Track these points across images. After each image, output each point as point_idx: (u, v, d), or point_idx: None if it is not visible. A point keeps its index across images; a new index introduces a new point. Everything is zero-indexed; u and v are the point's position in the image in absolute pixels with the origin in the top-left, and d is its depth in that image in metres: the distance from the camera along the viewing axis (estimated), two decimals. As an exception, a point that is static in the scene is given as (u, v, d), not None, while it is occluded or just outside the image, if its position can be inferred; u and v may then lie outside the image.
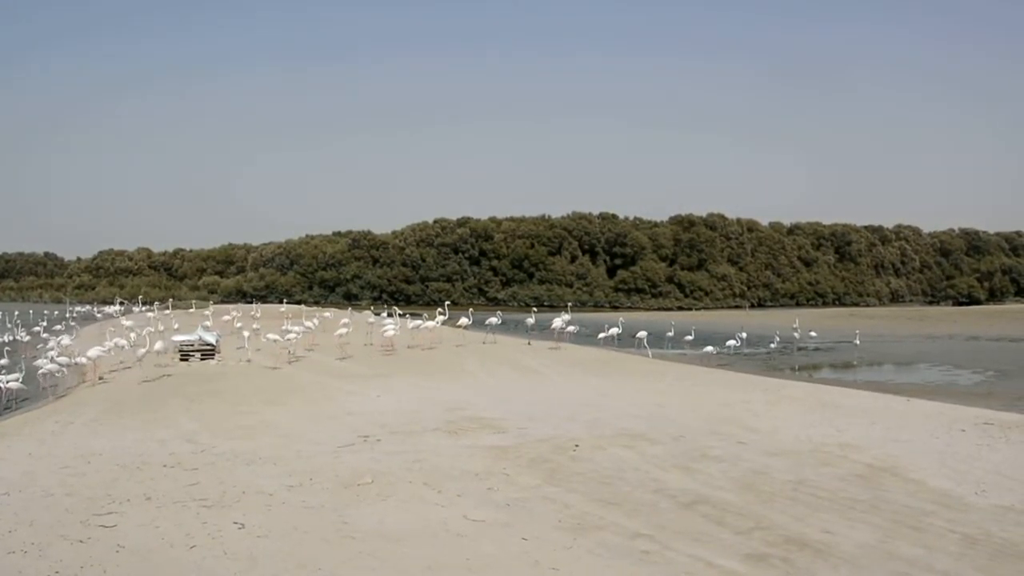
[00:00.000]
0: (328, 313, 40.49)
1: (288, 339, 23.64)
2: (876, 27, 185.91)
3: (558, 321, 28.47)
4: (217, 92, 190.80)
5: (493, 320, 29.78)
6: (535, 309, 32.49)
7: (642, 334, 27.30)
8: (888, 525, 7.57)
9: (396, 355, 24.32)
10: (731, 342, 28.58)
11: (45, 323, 36.06)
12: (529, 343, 28.21)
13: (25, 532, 7.40)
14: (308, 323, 26.72)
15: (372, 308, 45.72)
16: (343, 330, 25.47)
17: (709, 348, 27.82)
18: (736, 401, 15.50)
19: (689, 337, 29.76)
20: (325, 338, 27.01)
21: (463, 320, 29.44)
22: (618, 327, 28.23)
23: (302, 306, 62.77)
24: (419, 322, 28.15)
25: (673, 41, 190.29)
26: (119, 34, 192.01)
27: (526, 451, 10.71)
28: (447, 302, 31.97)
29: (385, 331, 25.60)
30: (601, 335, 28.81)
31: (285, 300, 60.22)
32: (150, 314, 31.01)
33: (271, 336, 24.83)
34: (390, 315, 33.92)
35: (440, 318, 27.80)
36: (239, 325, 26.05)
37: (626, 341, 28.72)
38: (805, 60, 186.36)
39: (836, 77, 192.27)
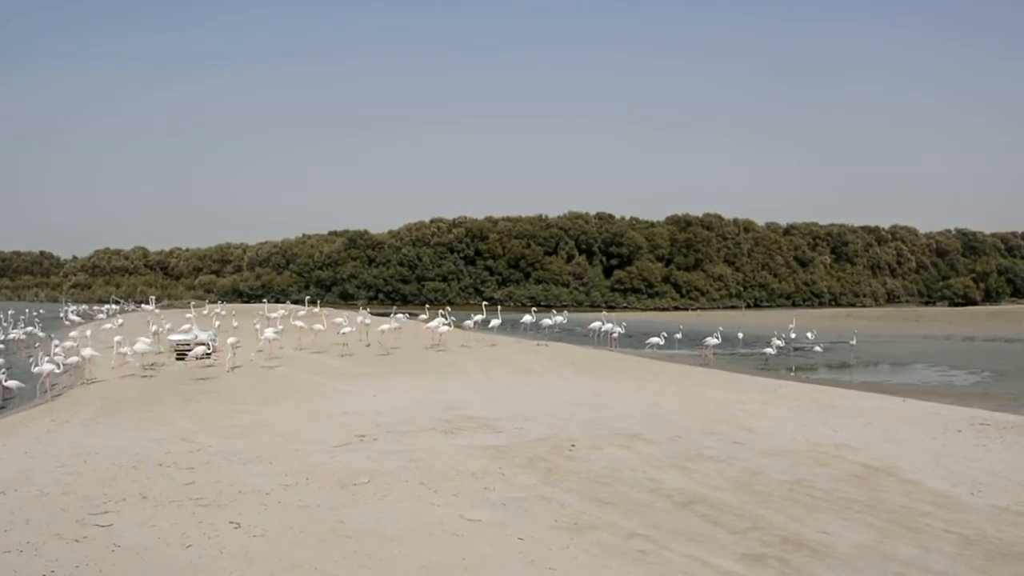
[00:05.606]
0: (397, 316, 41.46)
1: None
2: (874, 27, 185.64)
3: (596, 324, 29.27)
4: (213, 91, 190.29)
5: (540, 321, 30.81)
6: (554, 311, 32.96)
7: (608, 326, 28.67)
8: (884, 525, 7.58)
9: (394, 355, 24.30)
10: (777, 342, 29.08)
11: (66, 316, 37.45)
12: (537, 344, 28.37)
13: (21, 531, 7.38)
14: (296, 323, 26.92)
15: (367, 308, 46.09)
16: (390, 324, 27.39)
17: (769, 349, 28.34)
18: (732, 401, 15.52)
19: (709, 340, 29.22)
20: (325, 337, 27.02)
21: (501, 320, 30.69)
22: (716, 336, 27.73)
23: (332, 310, 63.46)
24: (469, 322, 29.96)
25: (671, 41, 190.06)
26: (116, 34, 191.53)
27: (522, 451, 10.71)
28: (484, 304, 32.62)
29: (439, 328, 26.75)
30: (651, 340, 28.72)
31: (317, 301, 60.21)
32: (188, 314, 30.89)
33: (268, 334, 24.79)
34: (412, 316, 35.55)
35: (479, 317, 29.17)
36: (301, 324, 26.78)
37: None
38: (802, 60, 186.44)
39: (833, 77, 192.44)
